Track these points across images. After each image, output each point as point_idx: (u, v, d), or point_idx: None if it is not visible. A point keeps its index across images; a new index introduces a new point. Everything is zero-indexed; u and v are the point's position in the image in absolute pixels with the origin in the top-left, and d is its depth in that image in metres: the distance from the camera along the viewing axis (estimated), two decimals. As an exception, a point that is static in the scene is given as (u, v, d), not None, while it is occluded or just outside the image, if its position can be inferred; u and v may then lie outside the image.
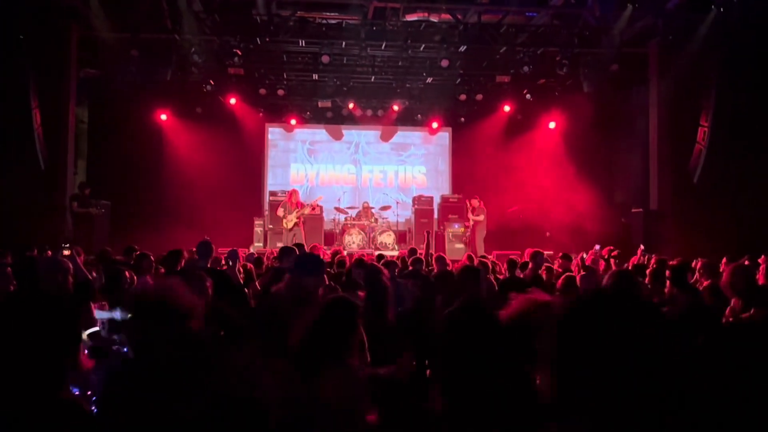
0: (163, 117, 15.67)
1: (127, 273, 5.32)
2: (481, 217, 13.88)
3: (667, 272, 4.97)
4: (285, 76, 15.01)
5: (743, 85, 11.38)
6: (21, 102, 11.02)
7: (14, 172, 10.72)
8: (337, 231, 15.08)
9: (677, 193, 12.57)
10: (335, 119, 17.05)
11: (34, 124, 11.13)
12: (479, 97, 15.47)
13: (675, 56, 12.39)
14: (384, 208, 15.63)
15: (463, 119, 17.25)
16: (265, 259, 9.02)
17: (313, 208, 14.17)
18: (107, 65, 13.26)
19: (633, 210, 13.46)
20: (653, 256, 8.99)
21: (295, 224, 13.18)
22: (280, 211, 13.33)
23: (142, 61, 12.60)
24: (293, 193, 13.66)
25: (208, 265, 5.97)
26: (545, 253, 8.46)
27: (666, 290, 4.95)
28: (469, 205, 14.12)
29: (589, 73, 13.63)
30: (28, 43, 11.07)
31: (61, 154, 11.86)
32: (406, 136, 17.98)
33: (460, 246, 13.95)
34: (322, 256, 9.03)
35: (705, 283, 5.35)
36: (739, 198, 11.49)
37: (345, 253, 10.07)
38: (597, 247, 9.50)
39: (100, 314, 5.22)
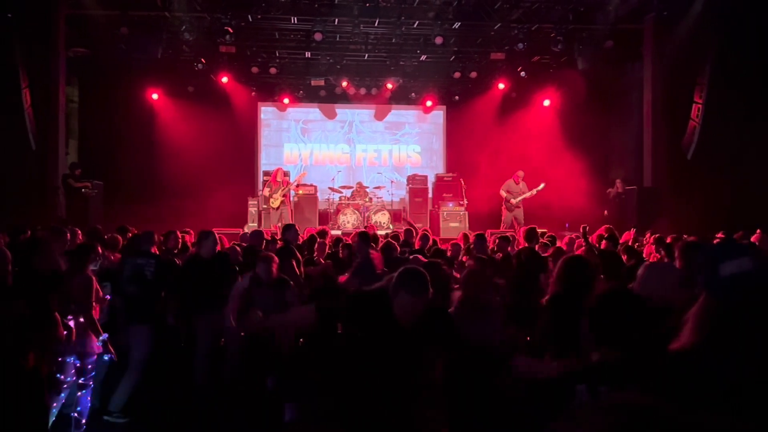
0: (155, 96, 15.53)
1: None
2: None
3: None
4: (277, 54, 14.85)
5: (738, 61, 11.33)
6: (10, 82, 10.87)
7: (5, 152, 10.62)
8: (332, 210, 15.04)
9: (671, 170, 12.58)
10: (328, 98, 16.91)
11: (24, 104, 11.00)
12: (473, 74, 15.35)
13: (670, 32, 12.32)
14: (378, 188, 15.58)
15: (457, 97, 17.14)
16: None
17: (299, 185, 14.14)
18: (97, 43, 13.08)
19: (627, 187, 13.48)
20: (647, 233, 9.04)
21: (282, 203, 13.16)
22: (266, 191, 13.33)
23: (132, 39, 12.41)
24: (277, 171, 13.63)
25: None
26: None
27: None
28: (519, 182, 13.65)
29: (583, 49, 13.51)
30: (15, 21, 10.88)
31: (52, 133, 11.74)
32: (400, 114, 17.88)
33: (455, 225, 13.93)
34: (309, 236, 9.10)
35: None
36: (732, 174, 11.51)
37: (332, 232, 10.01)
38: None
39: None
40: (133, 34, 12.25)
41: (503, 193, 13.59)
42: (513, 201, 13.45)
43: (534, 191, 13.38)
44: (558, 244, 7.73)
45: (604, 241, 7.75)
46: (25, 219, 8.73)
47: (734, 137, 11.54)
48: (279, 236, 8.72)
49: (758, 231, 7.56)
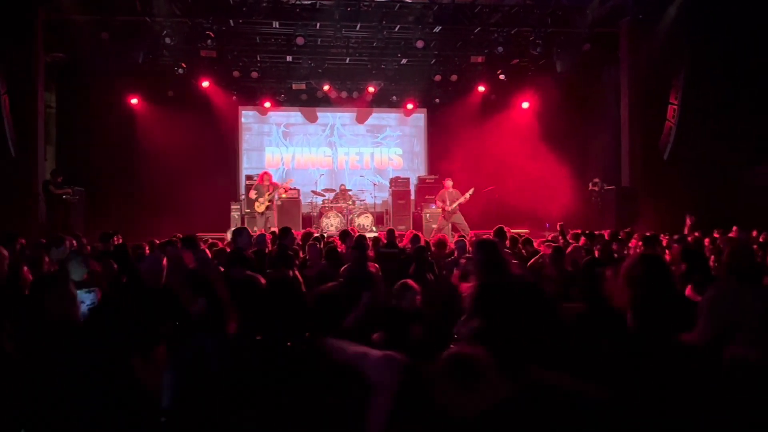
0: (134, 101, 15.41)
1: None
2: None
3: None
4: (258, 58, 14.84)
5: (712, 63, 11.64)
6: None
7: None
8: (315, 214, 15.07)
9: (648, 170, 12.83)
10: (310, 101, 16.94)
11: (3, 110, 10.87)
12: (454, 77, 15.50)
13: (646, 35, 12.58)
14: (361, 191, 15.64)
15: (438, 100, 17.29)
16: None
17: (286, 190, 14.11)
18: (76, 49, 12.97)
19: (606, 187, 13.71)
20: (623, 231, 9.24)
21: (267, 207, 13.12)
22: (253, 194, 13.23)
23: (113, 44, 12.35)
24: (265, 174, 13.58)
25: None
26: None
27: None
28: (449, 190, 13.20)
29: (561, 52, 13.76)
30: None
31: (32, 140, 11.60)
32: (381, 117, 17.98)
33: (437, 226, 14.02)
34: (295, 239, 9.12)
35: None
36: (707, 174, 11.81)
37: (316, 234, 10.03)
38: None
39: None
40: (114, 39, 12.18)
41: (439, 203, 13.17)
42: (448, 208, 12.90)
43: (467, 195, 12.89)
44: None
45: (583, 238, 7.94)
46: (6, 226, 8.65)
47: (709, 137, 11.84)
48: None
49: (734, 228, 7.77)
